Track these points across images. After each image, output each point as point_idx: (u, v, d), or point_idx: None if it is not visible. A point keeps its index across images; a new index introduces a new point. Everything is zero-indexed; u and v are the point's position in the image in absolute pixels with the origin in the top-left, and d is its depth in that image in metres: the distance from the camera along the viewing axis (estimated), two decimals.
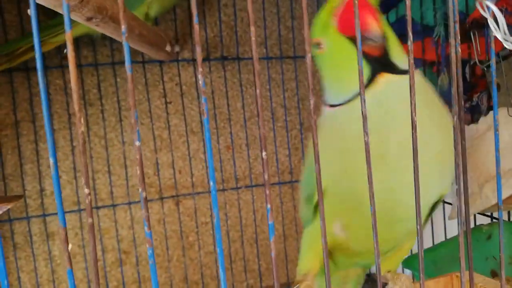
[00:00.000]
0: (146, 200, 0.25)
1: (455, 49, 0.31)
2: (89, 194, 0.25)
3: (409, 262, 0.59)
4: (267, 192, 0.28)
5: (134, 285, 0.94)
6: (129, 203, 0.92)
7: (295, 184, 1.01)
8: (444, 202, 0.74)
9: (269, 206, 0.28)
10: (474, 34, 0.67)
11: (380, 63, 0.36)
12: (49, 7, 0.40)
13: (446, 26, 0.68)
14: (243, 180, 0.99)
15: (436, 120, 0.39)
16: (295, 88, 1.00)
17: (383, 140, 0.37)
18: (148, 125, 0.93)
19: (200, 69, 0.26)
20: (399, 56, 0.38)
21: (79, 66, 0.88)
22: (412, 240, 0.47)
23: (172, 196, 0.95)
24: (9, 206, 0.61)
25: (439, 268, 0.61)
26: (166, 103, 0.94)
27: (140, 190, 0.26)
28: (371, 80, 0.37)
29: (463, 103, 0.73)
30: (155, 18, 0.86)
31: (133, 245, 0.93)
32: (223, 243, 0.99)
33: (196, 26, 0.26)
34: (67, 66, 0.88)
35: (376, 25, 0.36)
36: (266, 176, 0.28)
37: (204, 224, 0.98)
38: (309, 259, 0.46)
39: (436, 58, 0.71)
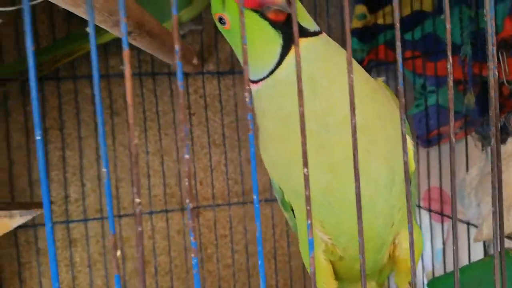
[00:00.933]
0: (195, 211, 0.26)
1: (493, 72, 0.31)
2: (140, 203, 0.26)
3: (434, 284, 0.58)
4: (308, 208, 0.28)
5: None
6: (151, 213, 0.93)
7: None
8: (469, 224, 0.73)
9: (309, 221, 0.28)
10: (502, 54, 0.67)
11: (290, 29, 0.32)
12: (96, 23, 0.41)
13: (473, 45, 0.68)
14: (262, 194, 0.99)
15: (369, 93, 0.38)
16: None
17: (315, 110, 0.35)
18: (171, 136, 0.94)
19: (247, 87, 0.26)
20: (306, 19, 0.37)
21: (107, 76, 0.90)
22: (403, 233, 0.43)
23: (193, 208, 0.95)
24: (39, 212, 0.62)
25: None
26: (190, 114, 0.95)
27: (188, 201, 0.26)
28: (287, 47, 0.36)
29: (483, 123, 0.72)
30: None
31: (153, 255, 0.94)
32: (241, 256, 0.98)
33: (244, 47, 0.27)
34: None
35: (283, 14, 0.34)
36: (307, 192, 0.28)
37: (223, 237, 0.98)
38: (320, 278, 0.45)
39: (462, 76, 0.71)
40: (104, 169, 0.26)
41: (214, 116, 0.97)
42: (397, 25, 0.27)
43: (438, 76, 0.76)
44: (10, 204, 0.71)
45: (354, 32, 0.91)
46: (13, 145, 0.88)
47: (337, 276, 0.45)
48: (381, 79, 0.43)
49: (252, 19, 0.35)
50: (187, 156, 0.26)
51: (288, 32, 0.35)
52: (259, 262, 0.28)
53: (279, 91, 0.37)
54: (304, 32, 0.36)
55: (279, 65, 0.37)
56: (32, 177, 0.88)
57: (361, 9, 0.92)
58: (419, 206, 0.83)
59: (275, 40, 0.36)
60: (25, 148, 0.88)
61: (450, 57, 0.29)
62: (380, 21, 0.90)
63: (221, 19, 0.37)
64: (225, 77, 0.97)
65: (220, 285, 0.97)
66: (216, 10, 0.37)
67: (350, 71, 0.26)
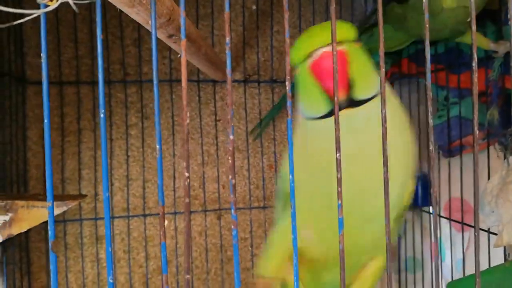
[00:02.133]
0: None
1: None
2: (188, 177, 0.29)
3: (454, 286, 0.59)
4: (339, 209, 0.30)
5: None
6: (175, 213, 0.96)
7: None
8: (489, 232, 0.73)
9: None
10: None
11: (342, 101, 0.40)
12: (142, 24, 0.45)
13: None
14: None
15: (399, 136, 0.44)
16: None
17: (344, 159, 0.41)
18: (197, 140, 0.98)
19: (289, 94, 0.29)
20: (363, 87, 0.42)
21: (139, 81, 0.95)
22: (381, 257, 0.49)
23: (215, 210, 0.98)
24: (74, 203, 0.66)
25: None
26: (216, 120, 0.99)
27: (230, 200, 0.29)
28: (330, 114, 0.42)
29: (505, 134, 0.74)
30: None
31: (175, 255, 0.96)
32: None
33: (287, 62, 0.30)
34: (129, 81, 0.95)
35: (343, 91, 0.40)
36: (339, 202, 0.30)
37: (243, 240, 1.00)
38: (274, 264, 0.49)
39: (485, 89, 0.73)
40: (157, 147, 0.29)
41: (238, 122, 1.00)
42: (427, 42, 0.30)
43: (461, 88, 0.78)
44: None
45: None
46: None
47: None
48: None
49: (312, 84, 0.42)
50: (231, 137, 0.29)
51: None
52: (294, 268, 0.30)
53: (324, 134, 0.43)
54: (353, 104, 0.41)
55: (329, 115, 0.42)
56: (64, 174, 0.93)
57: None
58: (439, 216, 0.83)
59: (327, 103, 0.42)
60: (59, 147, 0.93)
61: (475, 67, 0.31)
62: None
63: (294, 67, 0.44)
64: (251, 86, 1.00)
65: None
66: (293, 60, 0.44)
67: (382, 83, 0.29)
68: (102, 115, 0.28)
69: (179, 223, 0.97)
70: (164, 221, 0.28)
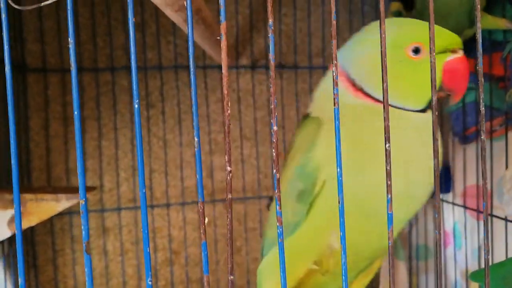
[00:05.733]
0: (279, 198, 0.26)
1: None
2: (230, 172, 0.26)
3: (477, 275, 0.58)
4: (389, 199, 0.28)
5: (181, 286, 0.95)
6: (183, 204, 0.94)
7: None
8: (507, 220, 0.72)
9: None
10: None
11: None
12: (159, 6, 0.43)
13: None
14: None
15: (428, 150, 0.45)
16: None
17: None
18: (204, 129, 0.96)
19: (335, 80, 0.27)
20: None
21: (144, 68, 0.92)
22: (380, 259, 0.51)
23: (223, 200, 0.96)
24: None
25: (508, 284, 0.59)
26: (222, 107, 0.96)
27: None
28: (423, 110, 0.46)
29: None
30: None
31: (184, 246, 0.95)
32: None
33: (334, 46, 0.27)
34: None
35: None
36: (389, 196, 0.28)
37: (252, 230, 0.98)
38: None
39: (503, 73, 0.71)
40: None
41: (246, 110, 0.98)
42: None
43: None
44: (57, 189, 0.73)
45: None
46: (51, 133, 0.90)
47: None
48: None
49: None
50: (275, 128, 0.26)
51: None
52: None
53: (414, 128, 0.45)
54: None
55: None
56: (68, 165, 0.90)
57: (396, 6, 0.92)
58: (453, 203, 0.82)
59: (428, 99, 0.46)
60: (62, 136, 0.90)
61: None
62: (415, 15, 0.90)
63: (416, 49, 0.44)
64: (258, 72, 0.98)
65: (249, 278, 0.98)
66: (416, 39, 0.44)
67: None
68: (136, 106, 0.25)
69: (187, 214, 0.95)
70: (205, 218, 0.26)
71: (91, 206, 0.91)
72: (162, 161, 0.94)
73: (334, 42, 0.27)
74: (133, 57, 0.25)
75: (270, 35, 0.26)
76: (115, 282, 0.93)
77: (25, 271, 0.85)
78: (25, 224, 0.62)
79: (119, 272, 0.93)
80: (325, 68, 1.00)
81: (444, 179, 0.81)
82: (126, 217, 0.93)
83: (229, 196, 0.26)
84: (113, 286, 0.93)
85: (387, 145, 0.27)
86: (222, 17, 0.25)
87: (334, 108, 0.27)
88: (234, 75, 0.96)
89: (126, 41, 0.91)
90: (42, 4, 0.27)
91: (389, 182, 0.27)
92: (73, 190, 0.70)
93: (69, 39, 0.25)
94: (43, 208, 0.63)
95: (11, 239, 0.80)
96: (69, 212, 0.90)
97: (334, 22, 0.27)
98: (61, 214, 0.89)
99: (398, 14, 0.91)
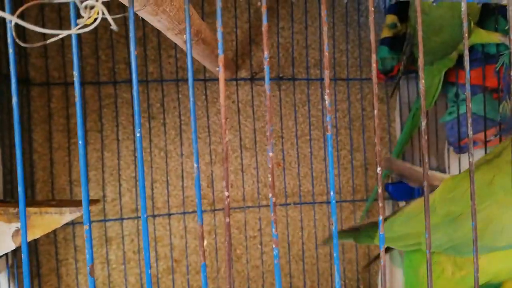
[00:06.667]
0: (275, 205, 0.28)
1: None
2: (228, 197, 0.28)
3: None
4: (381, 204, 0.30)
5: None
6: (184, 213, 0.96)
7: (343, 204, 1.03)
8: None
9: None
10: None
11: None
12: (161, 30, 0.44)
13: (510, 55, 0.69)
14: (291, 197, 1.01)
15: None
16: (346, 109, 1.03)
17: None
18: (204, 139, 0.97)
19: (327, 91, 0.29)
20: None
21: (145, 81, 0.94)
22: None
23: (223, 209, 0.98)
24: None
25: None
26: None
27: (270, 195, 0.29)
28: None
29: None
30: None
31: (185, 254, 0.96)
32: (269, 258, 1.00)
33: (326, 53, 0.29)
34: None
35: None
36: (381, 205, 0.30)
37: (252, 238, 1.00)
38: None
39: (497, 85, 0.73)
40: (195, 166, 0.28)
41: (245, 120, 1.00)
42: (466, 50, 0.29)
43: (472, 85, 0.77)
44: (61, 201, 0.74)
45: (385, 41, 0.93)
46: (54, 146, 0.92)
47: None
48: None
49: None
50: (270, 154, 0.28)
51: None
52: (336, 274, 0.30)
53: None
54: None
55: None
56: (71, 176, 0.92)
57: (392, 18, 0.94)
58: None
59: None
60: (65, 149, 0.92)
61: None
62: (409, 30, 0.92)
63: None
64: (258, 83, 1.00)
65: (249, 285, 0.99)
66: None
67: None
68: (136, 117, 0.27)
69: (188, 223, 0.97)
70: (204, 241, 0.27)
71: (94, 216, 0.93)
72: (163, 171, 0.95)
73: (326, 54, 0.28)
74: (134, 69, 0.27)
75: (266, 66, 0.28)
76: None
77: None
78: (30, 237, 0.63)
79: (122, 281, 0.94)
80: (322, 80, 1.02)
81: None
82: (129, 226, 0.95)
83: (227, 219, 0.27)
84: None
85: None
86: (220, 50, 0.27)
87: (328, 116, 0.29)
88: (234, 87, 0.98)
89: (127, 55, 0.93)
90: (48, 41, 0.29)
91: None
92: (77, 203, 0.72)
93: (74, 72, 0.26)
94: (46, 221, 0.65)
95: (15, 251, 0.82)
96: (72, 223, 0.91)
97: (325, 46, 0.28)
98: (64, 224, 0.91)
99: (393, 26, 0.93)
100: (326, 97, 0.29)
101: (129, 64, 0.93)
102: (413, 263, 0.48)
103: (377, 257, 0.61)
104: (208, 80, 0.96)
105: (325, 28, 0.29)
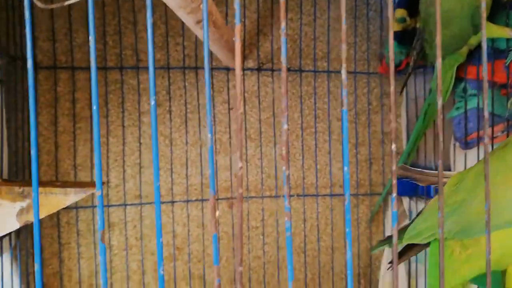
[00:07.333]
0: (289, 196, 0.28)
1: None
2: (241, 167, 0.28)
3: (477, 278, 0.59)
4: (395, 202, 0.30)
5: (183, 282, 0.97)
6: (187, 201, 0.96)
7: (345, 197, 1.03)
8: None
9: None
10: None
11: None
12: (172, 9, 0.44)
13: None
14: (295, 189, 1.01)
15: None
16: (353, 102, 1.03)
17: None
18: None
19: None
20: None
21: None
22: None
23: (227, 198, 0.98)
24: (93, 190, 0.65)
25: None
26: (228, 109, 0.98)
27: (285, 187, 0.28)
28: None
29: None
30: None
31: (187, 242, 0.96)
32: (272, 249, 1.00)
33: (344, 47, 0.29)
34: (141, 67, 0.94)
35: None
36: (395, 203, 0.30)
37: (254, 229, 1.00)
38: None
39: (506, 80, 0.72)
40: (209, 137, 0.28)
41: (250, 111, 0.99)
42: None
43: (480, 80, 0.77)
44: (66, 183, 0.75)
45: (394, 35, 0.92)
46: (59, 129, 0.92)
47: None
48: None
49: None
50: (285, 126, 0.28)
51: None
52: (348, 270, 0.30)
53: None
54: None
55: None
56: (76, 160, 0.92)
57: (401, 12, 0.93)
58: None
59: None
60: (71, 133, 0.92)
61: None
62: (419, 25, 0.92)
63: None
64: (264, 74, 0.99)
65: (250, 276, 0.99)
66: None
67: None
68: (152, 102, 0.27)
69: (191, 211, 0.97)
70: (216, 212, 0.27)
71: (96, 201, 0.93)
72: (167, 159, 0.96)
73: (344, 46, 0.28)
74: (150, 56, 0.27)
75: (283, 37, 0.28)
76: (118, 276, 0.94)
77: (30, 264, 0.86)
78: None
79: (123, 267, 0.94)
80: (329, 72, 1.02)
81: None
82: (131, 213, 0.95)
83: (240, 190, 0.27)
84: (116, 280, 0.94)
85: None
86: (237, 20, 0.27)
87: (342, 110, 0.29)
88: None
89: (135, 41, 0.93)
90: (66, 3, 0.28)
91: None
92: (81, 184, 0.72)
93: (89, 37, 0.26)
94: (51, 201, 0.65)
95: (18, 232, 0.82)
96: (75, 207, 0.92)
97: (344, 27, 0.28)
98: (67, 208, 0.91)
99: (403, 20, 0.93)
100: (344, 90, 0.28)
101: (136, 51, 0.93)
102: (433, 250, 0.52)
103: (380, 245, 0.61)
104: (214, 69, 0.96)
105: (343, 27, 0.28)
